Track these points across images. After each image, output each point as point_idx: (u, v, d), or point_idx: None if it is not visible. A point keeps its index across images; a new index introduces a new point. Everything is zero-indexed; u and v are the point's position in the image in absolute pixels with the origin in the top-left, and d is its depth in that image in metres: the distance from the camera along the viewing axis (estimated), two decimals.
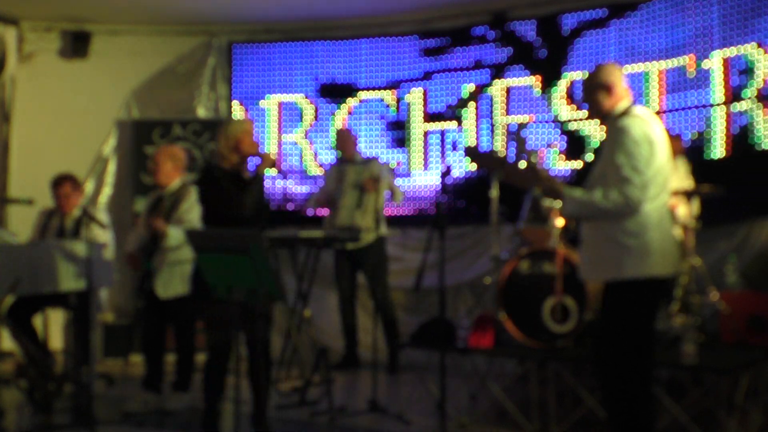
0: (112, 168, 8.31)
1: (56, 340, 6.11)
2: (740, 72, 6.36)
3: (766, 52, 6.22)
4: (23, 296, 5.29)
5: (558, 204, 3.72)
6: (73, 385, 4.95)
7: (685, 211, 5.49)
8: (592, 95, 3.75)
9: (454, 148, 7.68)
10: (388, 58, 7.99)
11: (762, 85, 6.22)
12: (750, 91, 6.27)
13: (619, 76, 3.77)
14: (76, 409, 4.89)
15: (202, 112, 8.30)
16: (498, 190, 5.74)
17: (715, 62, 6.48)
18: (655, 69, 6.82)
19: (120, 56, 8.23)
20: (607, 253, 3.61)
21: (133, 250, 5.50)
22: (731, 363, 4.40)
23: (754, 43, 6.25)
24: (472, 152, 3.97)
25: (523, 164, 3.76)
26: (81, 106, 8.19)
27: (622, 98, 3.74)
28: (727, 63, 6.43)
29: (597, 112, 3.78)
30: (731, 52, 6.39)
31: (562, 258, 4.93)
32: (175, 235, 5.24)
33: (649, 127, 3.62)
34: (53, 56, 8.27)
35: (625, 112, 3.68)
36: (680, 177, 5.71)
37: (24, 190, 6.90)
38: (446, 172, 4.70)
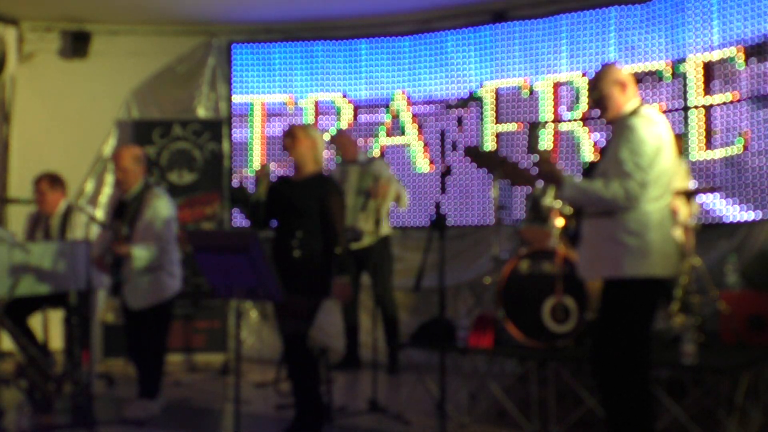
0: (112, 168, 8.30)
1: (56, 340, 6.11)
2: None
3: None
4: (18, 296, 5.26)
5: (557, 198, 3.72)
6: (73, 385, 4.95)
7: (685, 211, 5.49)
8: (608, 92, 3.72)
9: (454, 148, 7.69)
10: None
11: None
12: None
13: (631, 77, 3.77)
14: (76, 409, 4.89)
15: (202, 112, 8.30)
16: (498, 190, 5.74)
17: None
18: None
19: (120, 56, 8.23)
20: (607, 251, 3.61)
21: (98, 254, 5.30)
22: (731, 363, 4.39)
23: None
24: (472, 152, 3.97)
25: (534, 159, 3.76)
26: (81, 106, 8.19)
27: (631, 98, 3.74)
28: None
29: (610, 109, 3.75)
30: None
31: (562, 258, 4.92)
32: (140, 255, 5.08)
33: (657, 128, 3.61)
34: (53, 56, 8.27)
35: (634, 112, 3.68)
36: (681, 177, 5.71)
37: (24, 190, 6.90)
38: (446, 172, 4.71)
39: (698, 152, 6.52)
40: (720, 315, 5.30)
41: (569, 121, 7.16)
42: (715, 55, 6.49)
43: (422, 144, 7.93)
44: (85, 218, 5.39)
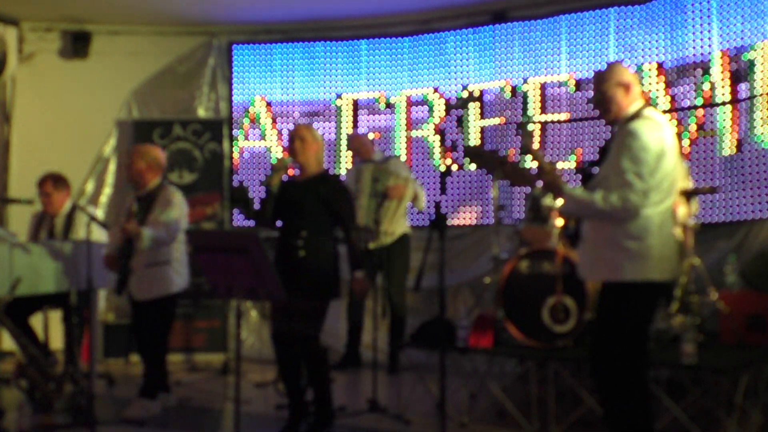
0: (112, 168, 8.31)
1: (56, 340, 6.11)
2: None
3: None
4: (19, 296, 5.27)
5: (558, 201, 3.72)
6: (73, 385, 4.95)
7: (685, 211, 5.49)
8: (611, 93, 3.68)
9: (454, 148, 7.69)
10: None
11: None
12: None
13: (635, 77, 3.74)
14: (76, 409, 4.89)
15: (202, 113, 8.30)
16: (498, 189, 5.74)
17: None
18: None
19: (120, 56, 8.23)
20: (607, 254, 3.61)
21: (111, 252, 5.37)
22: (731, 363, 4.40)
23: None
24: (472, 152, 3.97)
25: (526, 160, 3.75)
26: (81, 106, 8.20)
27: (635, 99, 3.71)
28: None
29: (612, 111, 3.71)
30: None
31: (562, 258, 4.93)
32: (149, 235, 5.12)
33: (659, 131, 3.58)
34: (53, 56, 8.27)
35: (637, 114, 3.64)
36: (680, 177, 5.71)
37: (24, 190, 6.91)
38: (446, 172, 4.71)
39: None
40: (719, 315, 5.30)
41: (558, 121, 7.19)
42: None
43: (281, 149, 8.13)
44: (88, 219, 5.41)
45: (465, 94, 7.70)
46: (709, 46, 6.53)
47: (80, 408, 4.87)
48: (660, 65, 6.78)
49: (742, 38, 6.36)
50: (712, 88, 6.48)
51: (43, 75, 8.21)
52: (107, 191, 8.28)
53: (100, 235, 5.71)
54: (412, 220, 7.41)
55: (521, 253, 5.16)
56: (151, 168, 5.36)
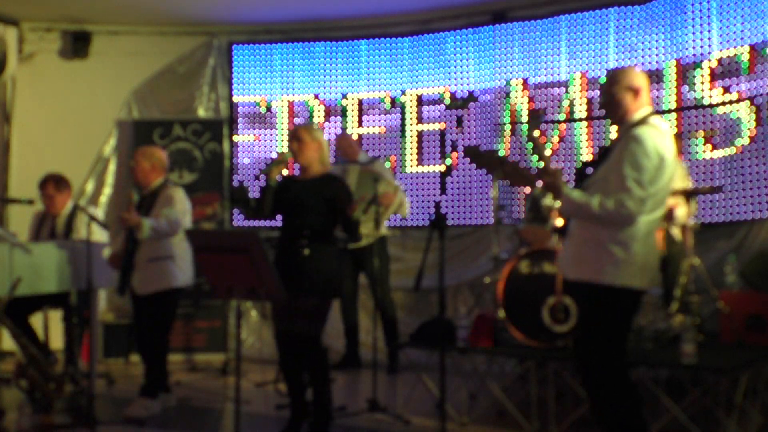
0: (112, 168, 8.31)
1: (56, 340, 6.11)
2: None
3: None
4: (19, 296, 5.28)
5: (557, 202, 3.72)
6: (73, 385, 4.96)
7: (685, 211, 5.49)
8: (619, 96, 3.66)
9: (454, 148, 7.69)
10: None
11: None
12: None
13: (647, 83, 3.73)
14: (76, 409, 4.89)
15: (202, 113, 8.31)
16: (498, 189, 5.74)
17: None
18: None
19: (120, 56, 8.24)
20: (591, 254, 3.60)
21: (117, 251, 5.45)
22: (731, 363, 4.40)
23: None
24: (472, 152, 3.95)
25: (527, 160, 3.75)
26: (81, 106, 8.20)
27: (643, 105, 3.69)
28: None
29: (618, 113, 3.69)
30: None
31: None
32: (149, 225, 5.17)
33: (662, 140, 3.57)
34: (53, 56, 8.28)
35: (643, 121, 3.63)
36: (680, 177, 5.71)
37: (24, 190, 6.92)
38: (446, 172, 4.71)
39: None
40: (719, 315, 5.31)
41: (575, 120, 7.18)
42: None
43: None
44: (88, 219, 5.43)
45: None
46: (709, 46, 6.54)
47: (80, 408, 4.87)
48: (525, 81, 7.38)
49: (741, 38, 6.37)
50: (571, 105, 7.18)
51: (43, 75, 8.22)
52: (107, 191, 8.28)
53: (100, 235, 5.72)
54: (412, 219, 7.43)
55: (521, 253, 5.16)
56: (155, 168, 5.43)
